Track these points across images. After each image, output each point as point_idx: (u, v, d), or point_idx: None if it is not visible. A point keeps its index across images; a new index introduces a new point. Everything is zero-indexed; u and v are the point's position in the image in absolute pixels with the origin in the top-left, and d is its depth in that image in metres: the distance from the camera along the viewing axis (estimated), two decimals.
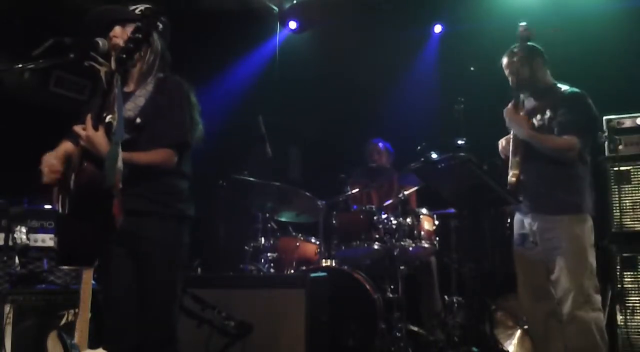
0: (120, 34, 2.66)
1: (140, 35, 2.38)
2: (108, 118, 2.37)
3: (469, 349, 4.48)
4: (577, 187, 3.46)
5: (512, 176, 3.54)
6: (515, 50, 3.61)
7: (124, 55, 2.38)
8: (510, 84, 3.65)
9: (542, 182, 3.48)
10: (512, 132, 3.62)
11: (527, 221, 3.57)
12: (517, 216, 3.66)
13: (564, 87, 3.60)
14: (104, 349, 2.54)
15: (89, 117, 2.42)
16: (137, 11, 2.71)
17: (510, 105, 3.58)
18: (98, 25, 2.69)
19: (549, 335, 3.50)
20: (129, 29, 2.61)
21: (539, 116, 3.57)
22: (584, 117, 3.48)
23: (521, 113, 3.56)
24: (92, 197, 2.41)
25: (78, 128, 2.45)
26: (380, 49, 6.30)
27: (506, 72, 3.67)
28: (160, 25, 2.74)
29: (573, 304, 3.33)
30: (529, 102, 3.67)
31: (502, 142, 3.72)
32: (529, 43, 3.62)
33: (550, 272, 3.47)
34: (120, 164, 2.38)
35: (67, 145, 2.73)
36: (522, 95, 3.68)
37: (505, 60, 3.67)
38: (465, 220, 4.73)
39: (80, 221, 2.46)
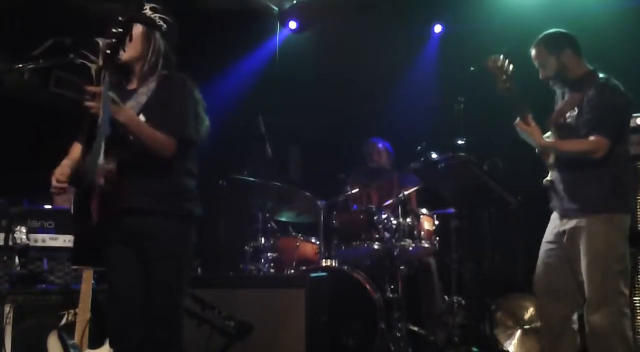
0: None
1: (121, 29, 2.41)
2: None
3: (469, 349, 4.48)
4: (600, 187, 3.29)
5: (546, 180, 3.46)
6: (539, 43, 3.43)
7: (109, 51, 2.41)
8: (540, 76, 3.48)
9: (564, 184, 3.39)
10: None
11: (557, 221, 3.47)
12: (554, 214, 3.52)
13: (600, 76, 3.39)
14: (109, 347, 2.55)
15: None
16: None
17: (518, 120, 3.38)
18: (100, 27, 2.70)
19: (562, 337, 3.38)
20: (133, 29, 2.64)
21: (571, 112, 3.40)
22: (610, 115, 3.27)
23: (532, 124, 3.36)
24: (90, 193, 2.42)
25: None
26: (380, 49, 6.30)
27: (535, 63, 3.48)
28: (164, 26, 2.75)
29: (588, 307, 3.24)
30: (568, 95, 3.48)
31: None
32: (555, 30, 3.47)
33: (574, 274, 3.35)
34: (101, 160, 2.38)
35: (76, 150, 2.73)
36: (558, 90, 3.52)
37: (533, 52, 3.48)
38: (465, 220, 4.72)
39: (86, 220, 2.46)
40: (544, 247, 3.51)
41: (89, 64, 2.46)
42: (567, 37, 3.47)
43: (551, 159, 3.45)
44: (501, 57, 3.30)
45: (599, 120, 3.26)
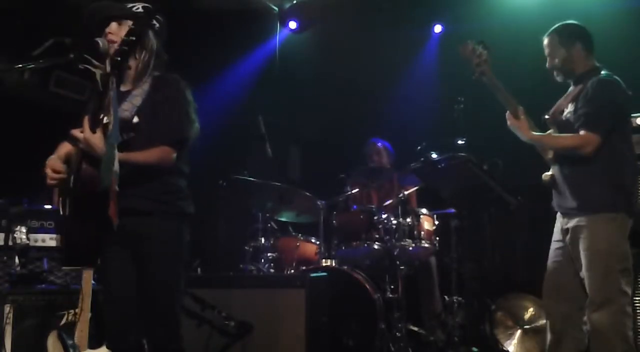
0: (116, 31, 2.66)
1: (133, 38, 2.41)
2: (105, 120, 2.38)
3: (469, 349, 4.49)
4: (600, 185, 3.25)
5: (545, 176, 3.42)
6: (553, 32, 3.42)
7: (119, 58, 2.41)
8: (547, 65, 3.47)
9: (564, 182, 3.35)
10: None
11: (561, 219, 3.44)
12: (559, 213, 3.50)
13: (602, 73, 3.36)
14: (107, 348, 2.55)
15: (86, 119, 2.43)
16: (134, 9, 2.71)
17: (507, 113, 3.38)
18: (94, 21, 2.70)
19: (563, 336, 3.36)
20: (125, 25, 2.65)
21: (569, 106, 3.38)
22: (601, 109, 3.23)
23: (521, 117, 3.35)
24: (91, 198, 2.42)
25: (76, 131, 2.45)
26: (380, 49, 6.30)
27: (546, 51, 3.46)
28: (157, 24, 2.75)
29: (589, 306, 3.21)
30: (572, 90, 3.46)
31: None
32: (571, 22, 3.44)
33: (577, 273, 3.32)
34: (116, 166, 2.39)
35: (66, 147, 2.73)
36: (569, 81, 3.47)
37: (545, 41, 3.47)
38: (465, 220, 4.72)
39: (81, 222, 2.46)
40: (552, 246, 3.48)
41: (93, 69, 2.46)
42: (580, 31, 3.43)
43: (550, 155, 3.43)
44: (471, 42, 3.36)
45: (590, 115, 3.23)
